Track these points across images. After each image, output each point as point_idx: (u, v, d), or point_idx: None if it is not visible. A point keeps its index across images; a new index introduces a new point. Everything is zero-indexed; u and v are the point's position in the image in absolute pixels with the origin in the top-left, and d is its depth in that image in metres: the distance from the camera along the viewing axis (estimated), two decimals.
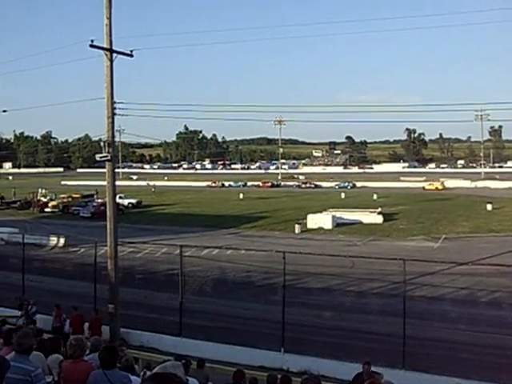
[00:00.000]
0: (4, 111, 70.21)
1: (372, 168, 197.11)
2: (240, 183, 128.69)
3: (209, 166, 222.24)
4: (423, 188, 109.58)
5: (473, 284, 32.24)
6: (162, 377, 4.35)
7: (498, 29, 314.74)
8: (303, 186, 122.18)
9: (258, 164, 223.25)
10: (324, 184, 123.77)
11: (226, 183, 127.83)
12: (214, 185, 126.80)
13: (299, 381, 10.59)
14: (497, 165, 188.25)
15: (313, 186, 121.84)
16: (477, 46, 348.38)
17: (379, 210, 66.63)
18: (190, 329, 22.77)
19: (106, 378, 7.49)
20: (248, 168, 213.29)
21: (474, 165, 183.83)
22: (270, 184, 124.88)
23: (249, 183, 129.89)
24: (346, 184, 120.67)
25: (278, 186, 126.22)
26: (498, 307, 28.76)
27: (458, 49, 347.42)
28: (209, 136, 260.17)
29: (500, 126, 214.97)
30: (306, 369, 17.94)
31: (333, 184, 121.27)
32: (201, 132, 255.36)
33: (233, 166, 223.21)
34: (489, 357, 20.72)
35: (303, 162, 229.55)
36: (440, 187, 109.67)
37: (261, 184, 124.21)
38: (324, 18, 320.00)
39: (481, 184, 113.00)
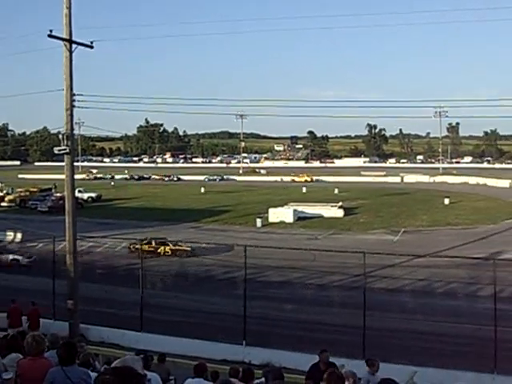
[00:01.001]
0: None
1: (333, 162, 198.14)
2: (216, 177, 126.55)
3: (170, 160, 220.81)
4: (292, 180, 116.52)
5: (430, 275, 32.72)
6: (120, 370, 4.30)
7: (457, 27, 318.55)
8: (166, 179, 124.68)
9: (219, 158, 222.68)
10: (186, 177, 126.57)
11: (202, 177, 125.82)
12: (166, 178, 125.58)
13: (261, 373, 10.64)
14: (454, 160, 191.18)
15: (175, 179, 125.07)
16: (436, 44, 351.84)
17: (340, 204, 67.02)
18: (152, 323, 22.61)
19: (64, 374, 7.34)
20: (209, 162, 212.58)
21: (433, 160, 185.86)
22: None
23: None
24: (215, 177, 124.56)
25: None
26: (453, 297, 29.31)
27: (418, 46, 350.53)
28: (170, 129, 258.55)
29: (457, 123, 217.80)
30: (267, 361, 17.95)
31: (202, 178, 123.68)
32: (162, 125, 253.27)
33: (194, 160, 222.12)
34: (445, 345, 21.10)
35: (265, 156, 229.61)
36: (309, 179, 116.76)
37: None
38: (285, 12, 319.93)
39: (439, 179, 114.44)
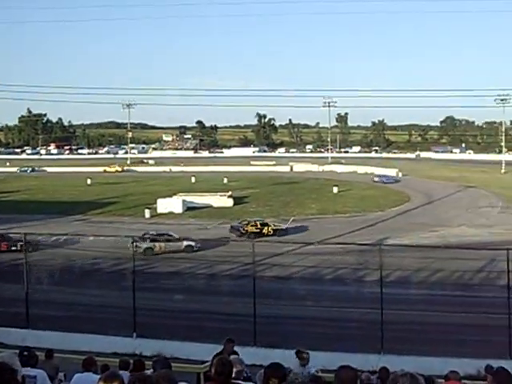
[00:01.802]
0: None
1: (222, 152, 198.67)
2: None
3: (54, 151, 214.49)
4: (104, 171, 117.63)
5: (320, 262, 33.44)
6: None
7: (343, 16, 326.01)
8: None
9: (106, 149, 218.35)
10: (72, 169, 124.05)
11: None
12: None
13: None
14: (343, 150, 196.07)
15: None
16: (324, 33, 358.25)
17: (229, 193, 67.25)
18: (39, 320, 21.84)
19: None
20: (96, 153, 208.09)
21: (322, 150, 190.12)
22: None
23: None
24: (26, 169, 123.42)
25: None
26: (342, 283, 30.07)
27: (306, 35, 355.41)
28: (54, 120, 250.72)
29: (346, 113, 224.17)
30: (158, 352, 17.74)
31: (14, 169, 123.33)
32: (45, 115, 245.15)
33: (80, 151, 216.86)
34: (335, 329, 21.68)
35: (153, 146, 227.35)
36: (119, 169, 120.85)
37: None
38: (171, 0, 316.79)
39: (328, 168, 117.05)
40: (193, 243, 38.40)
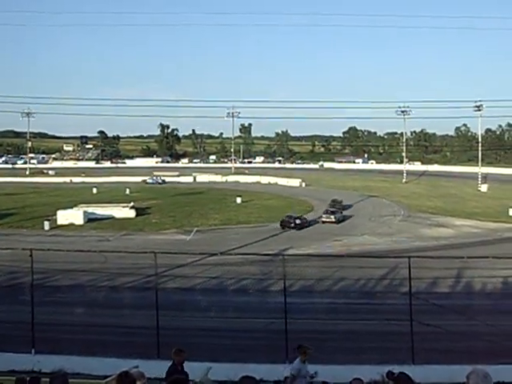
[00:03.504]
0: None
1: (125, 163, 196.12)
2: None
3: None
4: None
5: (223, 273, 33.36)
6: None
7: (251, 28, 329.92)
8: None
9: (4, 158, 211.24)
10: None
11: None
12: None
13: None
14: (246, 160, 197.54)
15: None
16: (229, 44, 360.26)
17: (131, 204, 66.39)
18: None
19: None
20: None
21: (226, 160, 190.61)
22: None
23: None
24: None
25: None
26: (246, 293, 29.98)
27: (210, 46, 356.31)
28: None
29: (250, 124, 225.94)
30: (59, 368, 16.99)
31: None
32: None
33: None
34: (239, 340, 21.66)
35: (53, 156, 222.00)
36: None
37: None
38: (81, 8, 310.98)
39: (231, 178, 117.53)
40: None
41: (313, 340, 20.85)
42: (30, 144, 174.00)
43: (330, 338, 21.25)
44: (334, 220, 58.22)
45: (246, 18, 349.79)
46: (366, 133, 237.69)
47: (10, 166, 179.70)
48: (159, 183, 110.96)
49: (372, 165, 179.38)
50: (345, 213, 62.96)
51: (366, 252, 40.93)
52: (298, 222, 54.90)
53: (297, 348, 11.87)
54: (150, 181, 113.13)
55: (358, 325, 22.69)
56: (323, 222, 57.81)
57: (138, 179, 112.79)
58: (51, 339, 20.67)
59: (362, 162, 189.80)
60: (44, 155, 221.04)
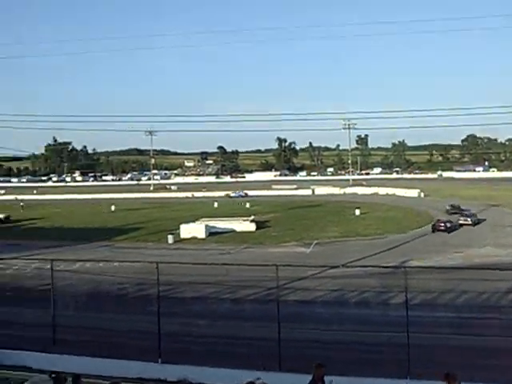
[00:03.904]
0: None
1: (244, 177, 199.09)
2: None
3: (79, 179, 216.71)
4: None
5: (344, 286, 33.12)
6: None
7: (363, 40, 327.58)
8: None
9: (129, 175, 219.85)
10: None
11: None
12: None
13: None
14: (364, 172, 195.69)
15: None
16: (345, 56, 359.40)
17: (252, 218, 67.22)
18: (65, 344, 21.79)
19: None
20: (120, 179, 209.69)
21: (343, 172, 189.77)
22: None
23: None
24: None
25: None
26: (367, 306, 29.68)
27: (325, 59, 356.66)
28: (79, 148, 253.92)
29: (366, 135, 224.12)
30: (184, 377, 17.57)
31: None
32: (70, 144, 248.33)
33: (104, 178, 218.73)
34: (361, 353, 21.41)
35: (175, 172, 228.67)
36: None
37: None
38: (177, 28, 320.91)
39: (349, 190, 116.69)
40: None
41: (438, 356, 20.49)
42: (153, 161, 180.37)
43: (453, 354, 20.67)
44: (470, 222, 61.44)
45: (363, 29, 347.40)
46: (485, 140, 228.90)
47: (135, 182, 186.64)
48: (242, 196, 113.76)
49: (493, 173, 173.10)
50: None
51: (489, 264, 39.50)
52: (448, 225, 58.46)
53: (445, 375, 10.69)
54: (234, 195, 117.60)
55: (488, 341, 21.93)
56: (460, 225, 60.67)
57: (257, 193, 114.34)
58: (177, 349, 21.35)
59: (483, 171, 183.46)
60: (166, 171, 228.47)
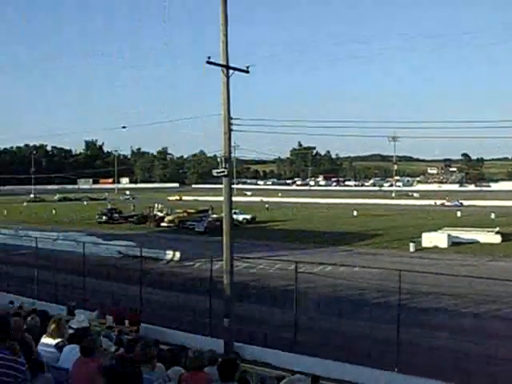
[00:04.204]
0: (123, 127, 73.30)
1: (489, 186, 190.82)
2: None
3: (322, 183, 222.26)
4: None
5: None
6: None
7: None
8: None
9: (372, 181, 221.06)
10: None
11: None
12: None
13: None
14: None
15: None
16: None
17: (497, 229, 64.36)
18: (303, 346, 22.72)
19: None
20: (362, 185, 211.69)
21: None
22: None
23: None
24: None
25: None
26: None
27: None
28: (322, 153, 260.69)
29: None
30: None
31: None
32: (314, 148, 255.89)
33: (346, 183, 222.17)
34: None
35: (418, 179, 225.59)
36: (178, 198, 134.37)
37: None
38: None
39: None
40: None
41: None
42: (395, 167, 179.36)
43: None
44: None
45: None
46: None
47: (377, 188, 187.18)
48: (457, 206, 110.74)
49: None
50: None
51: None
52: None
53: None
54: (448, 204, 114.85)
55: None
56: None
57: (504, 204, 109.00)
58: (416, 362, 21.20)
59: None
60: (409, 178, 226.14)
